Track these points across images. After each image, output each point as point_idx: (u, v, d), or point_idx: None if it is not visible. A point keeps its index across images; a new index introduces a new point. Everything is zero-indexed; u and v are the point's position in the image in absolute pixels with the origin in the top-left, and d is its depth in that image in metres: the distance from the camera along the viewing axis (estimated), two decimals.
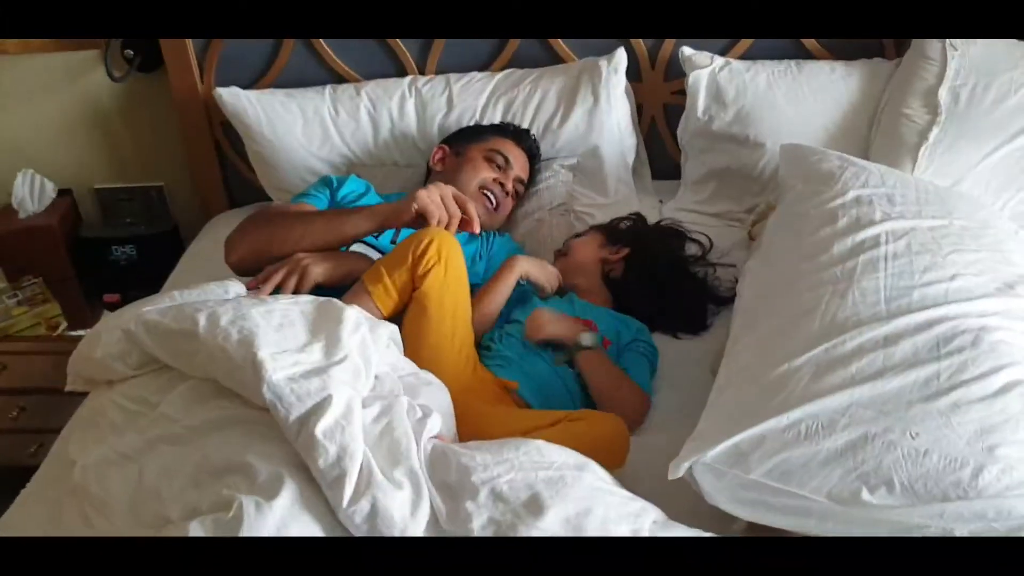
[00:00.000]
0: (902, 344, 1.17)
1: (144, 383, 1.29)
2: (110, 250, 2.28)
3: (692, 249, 1.86)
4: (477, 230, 1.53)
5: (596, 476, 1.16)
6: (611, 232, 1.83)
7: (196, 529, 1.03)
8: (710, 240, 1.87)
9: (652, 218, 2.05)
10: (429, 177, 1.96)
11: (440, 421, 1.22)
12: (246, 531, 1.01)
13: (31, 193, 2.27)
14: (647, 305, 1.72)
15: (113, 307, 2.24)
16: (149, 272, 2.23)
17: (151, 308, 1.33)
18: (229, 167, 2.30)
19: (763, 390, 1.18)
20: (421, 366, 1.38)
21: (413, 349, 1.42)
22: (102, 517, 1.17)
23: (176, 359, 1.28)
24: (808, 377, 1.16)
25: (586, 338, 1.55)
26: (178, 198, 2.44)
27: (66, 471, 1.30)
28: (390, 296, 1.44)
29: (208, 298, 1.37)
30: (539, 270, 1.68)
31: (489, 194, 1.85)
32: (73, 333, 2.20)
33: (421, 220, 1.50)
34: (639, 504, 1.15)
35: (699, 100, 1.98)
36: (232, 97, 2.06)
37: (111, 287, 2.29)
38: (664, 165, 2.20)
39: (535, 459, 1.14)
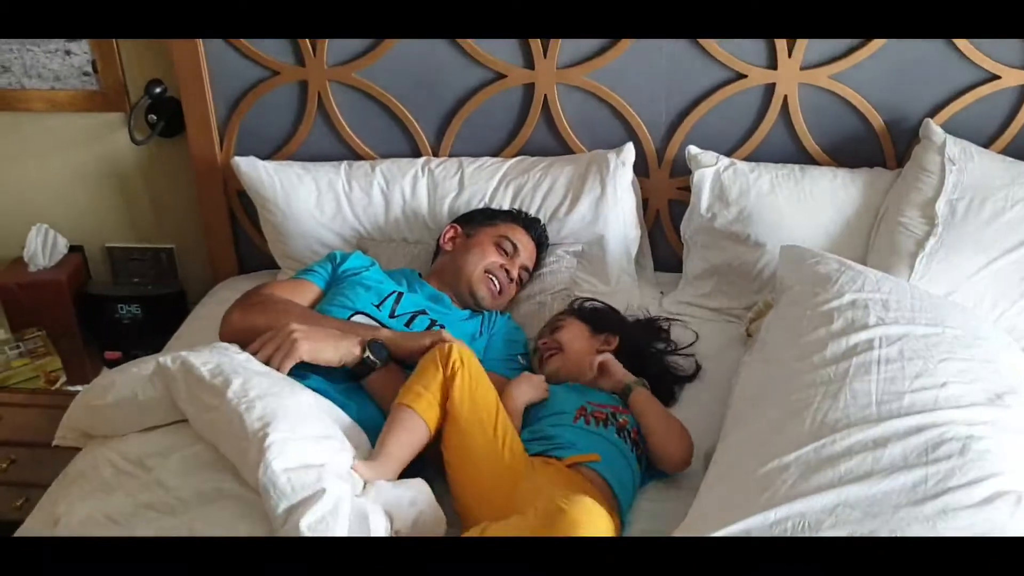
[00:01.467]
0: (891, 447, 1.18)
1: (143, 443, 1.31)
2: (116, 308, 2.31)
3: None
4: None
5: None
6: (592, 321, 1.83)
7: None
8: (696, 335, 1.96)
9: (653, 305, 2.09)
10: (437, 255, 2.00)
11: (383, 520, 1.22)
12: None
13: (43, 248, 2.31)
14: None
15: (113, 364, 2.25)
16: (153, 332, 2.27)
17: (190, 352, 1.35)
18: (241, 233, 2.34)
19: (751, 486, 1.19)
20: (472, 474, 1.38)
21: (461, 460, 1.41)
22: None
23: (192, 407, 1.30)
24: (796, 475, 1.17)
25: (632, 378, 1.60)
26: (187, 261, 2.48)
27: (49, 528, 1.30)
28: (433, 409, 1.41)
29: (228, 359, 1.38)
30: (534, 392, 1.64)
31: (493, 279, 1.88)
32: (71, 388, 2.21)
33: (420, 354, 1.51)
34: None
35: (703, 197, 2.03)
36: (249, 167, 2.12)
37: (114, 345, 2.31)
38: (667, 257, 2.25)
39: None
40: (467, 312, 1.86)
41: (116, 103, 2.26)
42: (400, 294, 1.80)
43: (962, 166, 1.89)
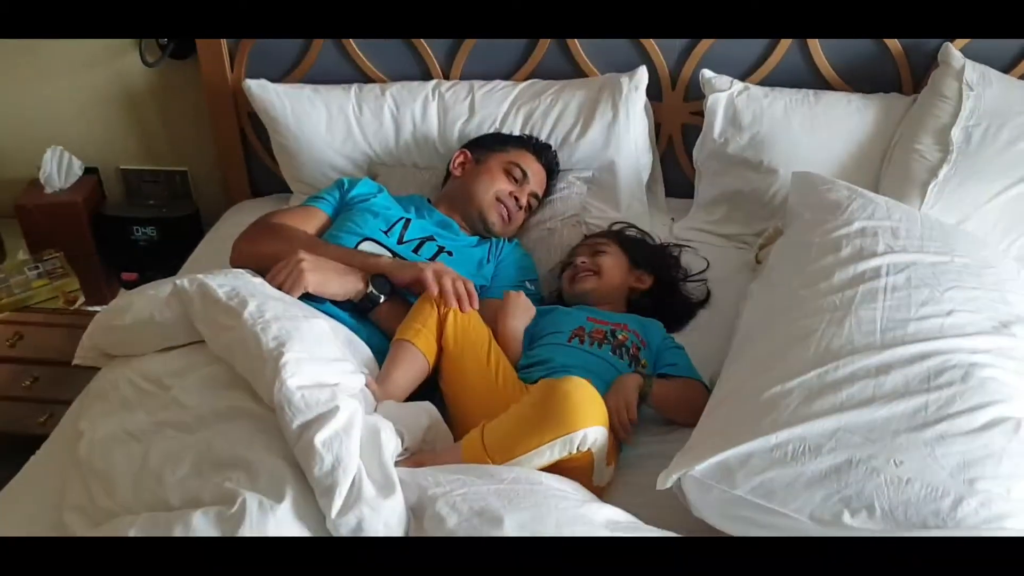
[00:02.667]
0: (893, 374, 1.20)
1: (161, 363, 1.34)
2: (131, 230, 2.33)
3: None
4: (467, 309, 1.53)
5: (549, 486, 1.20)
6: (633, 254, 1.84)
7: (199, 520, 1.07)
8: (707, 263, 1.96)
9: (663, 232, 2.10)
10: (447, 181, 2.00)
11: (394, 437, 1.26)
12: (247, 528, 1.05)
13: (58, 169, 2.32)
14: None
15: (130, 285, 2.29)
16: (168, 253, 2.29)
17: (207, 275, 1.37)
18: (253, 156, 2.35)
19: (754, 410, 1.21)
20: (470, 404, 1.41)
21: (458, 391, 1.47)
22: (104, 493, 1.21)
23: (208, 328, 1.33)
24: (799, 400, 1.19)
25: (644, 384, 1.51)
26: (201, 183, 2.49)
27: (73, 443, 1.35)
28: (431, 343, 1.47)
29: (244, 282, 1.40)
30: (526, 315, 1.66)
31: (503, 205, 1.88)
32: (90, 308, 2.25)
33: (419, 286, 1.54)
34: (594, 505, 1.19)
35: (716, 123, 2.01)
36: (260, 89, 2.11)
37: (130, 266, 2.34)
38: (678, 183, 2.24)
39: (486, 476, 1.18)
40: (475, 238, 1.87)
41: None
42: (408, 220, 1.80)
43: (980, 92, 1.86)
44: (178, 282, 1.34)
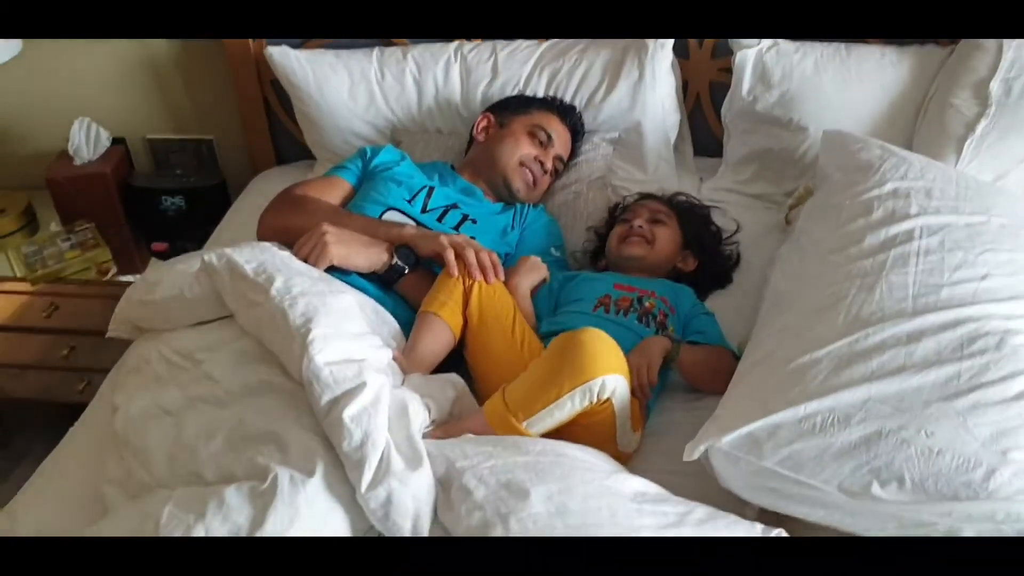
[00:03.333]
0: (924, 342, 1.18)
1: (192, 338, 1.35)
2: (160, 200, 2.34)
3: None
4: (492, 281, 1.53)
5: (576, 457, 1.20)
6: (688, 233, 1.80)
7: (232, 495, 1.08)
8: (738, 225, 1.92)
9: (692, 193, 2.06)
10: (471, 147, 1.98)
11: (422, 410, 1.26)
12: (280, 502, 1.06)
13: (87, 141, 2.33)
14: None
15: (161, 255, 2.31)
16: (197, 223, 2.31)
17: (234, 250, 1.38)
18: (278, 124, 2.34)
19: (782, 379, 1.20)
20: (496, 374, 1.40)
21: (483, 362, 1.47)
22: (141, 467, 1.23)
23: (237, 303, 1.34)
24: (828, 370, 1.17)
25: (672, 350, 1.50)
26: (227, 152, 2.49)
27: (109, 416, 1.37)
28: (457, 316, 1.47)
29: (271, 256, 1.40)
30: (534, 275, 1.65)
31: (528, 171, 1.86)
32: (123, 278, 2.27)
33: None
34: (621, 476, 1.19)
35: (744, 80, 1.97)
36: (282, 56, 2.09)
37: (160, 236, 2.36)
38: (706, 142, 2.20)
39: (513, 448, 1.19)
40: (499, 205, 1.86)
41: None
42: (431, 188, 1.79)
43: (1021, 42, 1.79)
44: (206, 257, 1.35)
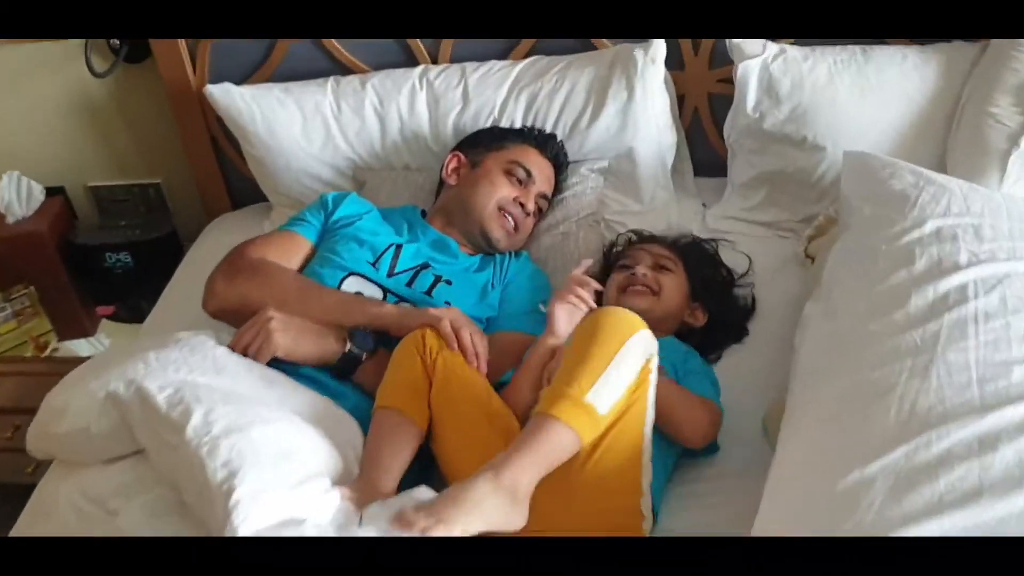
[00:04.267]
0: (1002, 451, 0.95)
1: (105, 479, 1.13)
2: (104, 257, 2.11)
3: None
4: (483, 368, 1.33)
5: None
6: (695, 283, 1.57)
7: None
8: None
9: (694, 222, 1.83)
10: (441, 190, 1.74)
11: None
12: None
13: (18, 197, 2.10)
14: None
15: (107, 318, 2.08)
16: (146, 279, 2.10)
17: (146, 371, 1.15)
18: (228, 164, 2.10)
19: (829, 505, 0.97)
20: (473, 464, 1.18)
21: (457, 447, 1.25)
22: None
23: (150, 442, 1.12)
24: (884, 494, 0.94)
25: None
26: (177, 195, 2.26)
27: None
28: (419, 403, 1.26)
29: (191, 377, 1.17)
30: (572, 314, 1.38)
31: (508, 216, 1.63)
32: (69, 343, 2.06)
33: None
34: None
35: (749, 95, 1.72)
36: (224, 95, 1.85)
37: (106, 296, 2.13)
38: (708, 160, 1.95)
39: None
40: (476, 259, 1.63)
41: None
42: (398, 247, 1.57)
43: None
44: (112, 387, 1.12)
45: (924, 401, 1.03)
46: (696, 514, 1.27)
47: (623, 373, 1.14)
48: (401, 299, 1.50)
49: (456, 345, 1.30)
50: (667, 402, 1.25)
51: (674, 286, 1.54)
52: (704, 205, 1.89)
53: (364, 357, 1.34)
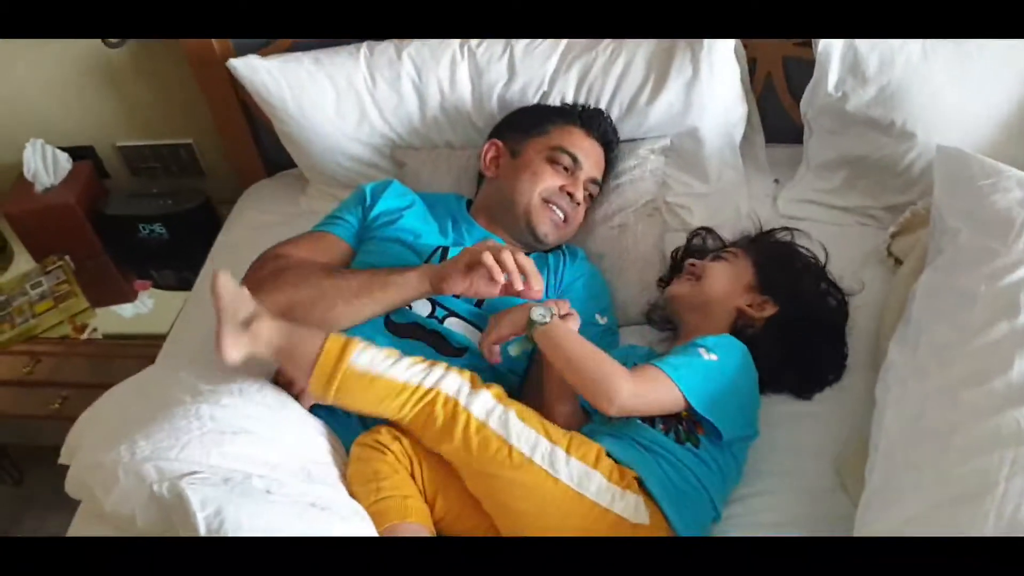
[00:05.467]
0: None
1: None
2: (137, 228, 2.03)
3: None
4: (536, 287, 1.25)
5: None
6: (765, 271, 1.40)
7: None
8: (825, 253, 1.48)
9: (765, 205, 1.68)
10: (482, 182, 1.60)
11: None
12: None
13: (44, 165, 2.01)
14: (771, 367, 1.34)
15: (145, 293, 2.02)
16: (181, 251, 2.03)
17: (190, 474, 1.06)
18: (263, 129, 1.95)
19: None
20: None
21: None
22: None
23: None
24: None
25: (537, 312, 1.21)
26: (210, 156, 2.14)
27: None
28: (421, 508, 1.14)
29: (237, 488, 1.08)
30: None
31: (555, 208, 1.49)
32: (113, 308, 2.00)
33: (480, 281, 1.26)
34: None
35: (831, 71, 1.52)
36: (249, 70, 1.70)
37: (142, 266, 2.06)
38: (782, 126, 1.75)
39: None
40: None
41: None
42: (445, 250, 1.44)
43: None
44: (155, 487, 1.03)
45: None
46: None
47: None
48: (450, 312, 1.38)
49: (500, 275, 1.23)
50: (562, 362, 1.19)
51: (721, 273, 1.40)
52: (776, 181, 1.72)
53: None
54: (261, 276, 1.37)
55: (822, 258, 1.49)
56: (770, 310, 1.37)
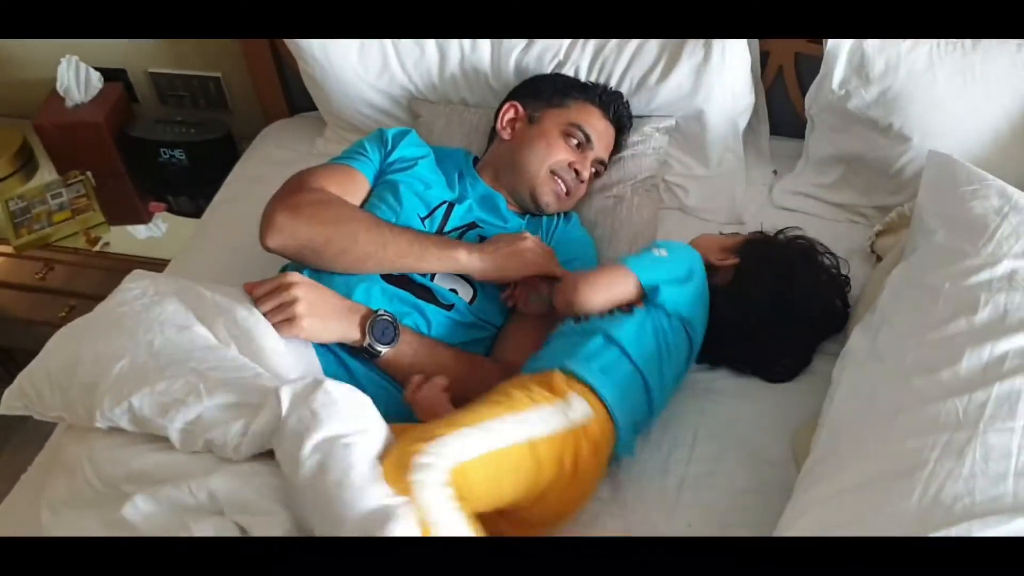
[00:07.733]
0: None
1: (121, 459, 1.12)
2: (159, 152, 2.10)
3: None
4: None
5: None
6: (752, 245, 1.43)
7: None
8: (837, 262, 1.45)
9: (760, 194, 1.73)
10: (494, 139, 1.65)
11: None
12: None
13: (76, 81, 2.08)
14: (732, 332, 1.36)
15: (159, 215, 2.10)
16: (198, 178, 2.11)
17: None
18: (289, 69, 2.02)
19: None
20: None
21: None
22: None
23: None
24: None
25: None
26: (237, 91, 2.21)
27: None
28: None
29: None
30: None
31: (560, 181, 1.54)
32: (127, 227, 2.07)
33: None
34: None
35: (837, 69, 1.57)
36: None
37: (159, 190, 2.13)
38: (787, 120, 1.81)
39: None
40: (523, 221, 1.56)
41: None
42: (450, 205, 1.50)
43: None
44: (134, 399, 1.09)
45: (951, 489, 0.96)
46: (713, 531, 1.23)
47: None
48: None
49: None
50: None
51: (707, 236, 1.48)
52: (775, 172, 1.77)
53: (383, 353, 1.28)
54: (299, 202, 1.35)
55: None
56: (732, 260, 1.39)
